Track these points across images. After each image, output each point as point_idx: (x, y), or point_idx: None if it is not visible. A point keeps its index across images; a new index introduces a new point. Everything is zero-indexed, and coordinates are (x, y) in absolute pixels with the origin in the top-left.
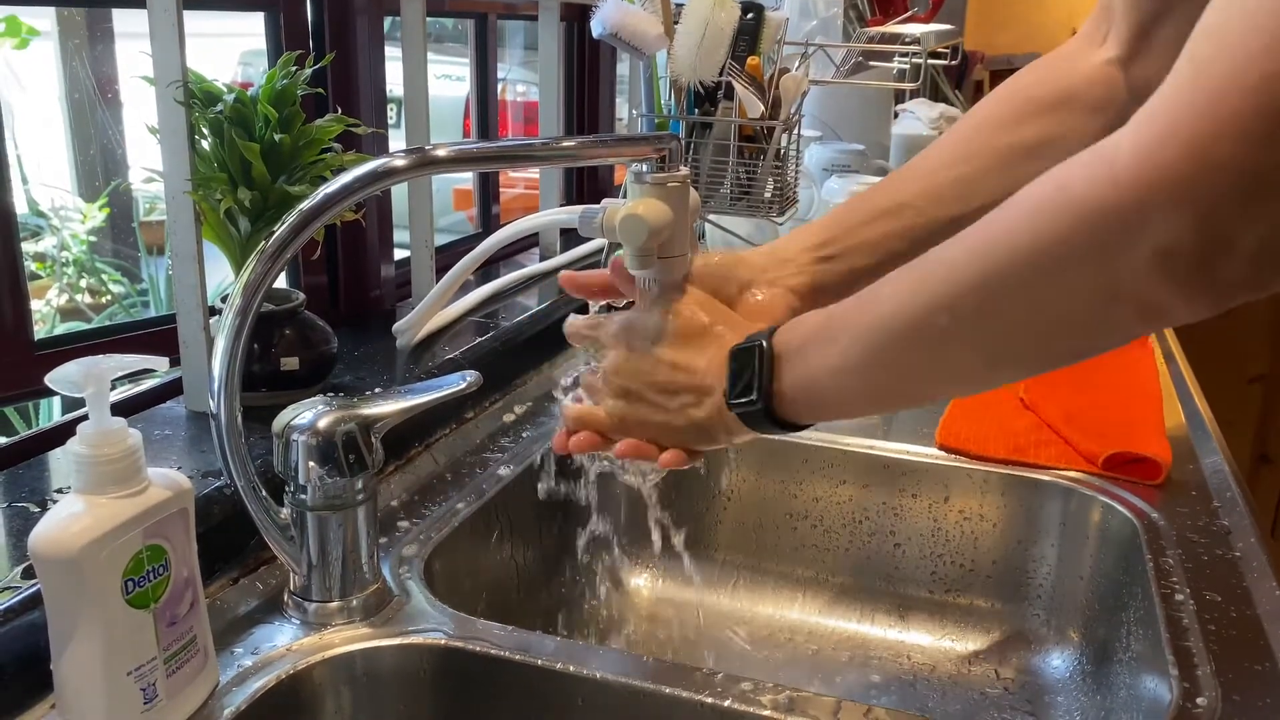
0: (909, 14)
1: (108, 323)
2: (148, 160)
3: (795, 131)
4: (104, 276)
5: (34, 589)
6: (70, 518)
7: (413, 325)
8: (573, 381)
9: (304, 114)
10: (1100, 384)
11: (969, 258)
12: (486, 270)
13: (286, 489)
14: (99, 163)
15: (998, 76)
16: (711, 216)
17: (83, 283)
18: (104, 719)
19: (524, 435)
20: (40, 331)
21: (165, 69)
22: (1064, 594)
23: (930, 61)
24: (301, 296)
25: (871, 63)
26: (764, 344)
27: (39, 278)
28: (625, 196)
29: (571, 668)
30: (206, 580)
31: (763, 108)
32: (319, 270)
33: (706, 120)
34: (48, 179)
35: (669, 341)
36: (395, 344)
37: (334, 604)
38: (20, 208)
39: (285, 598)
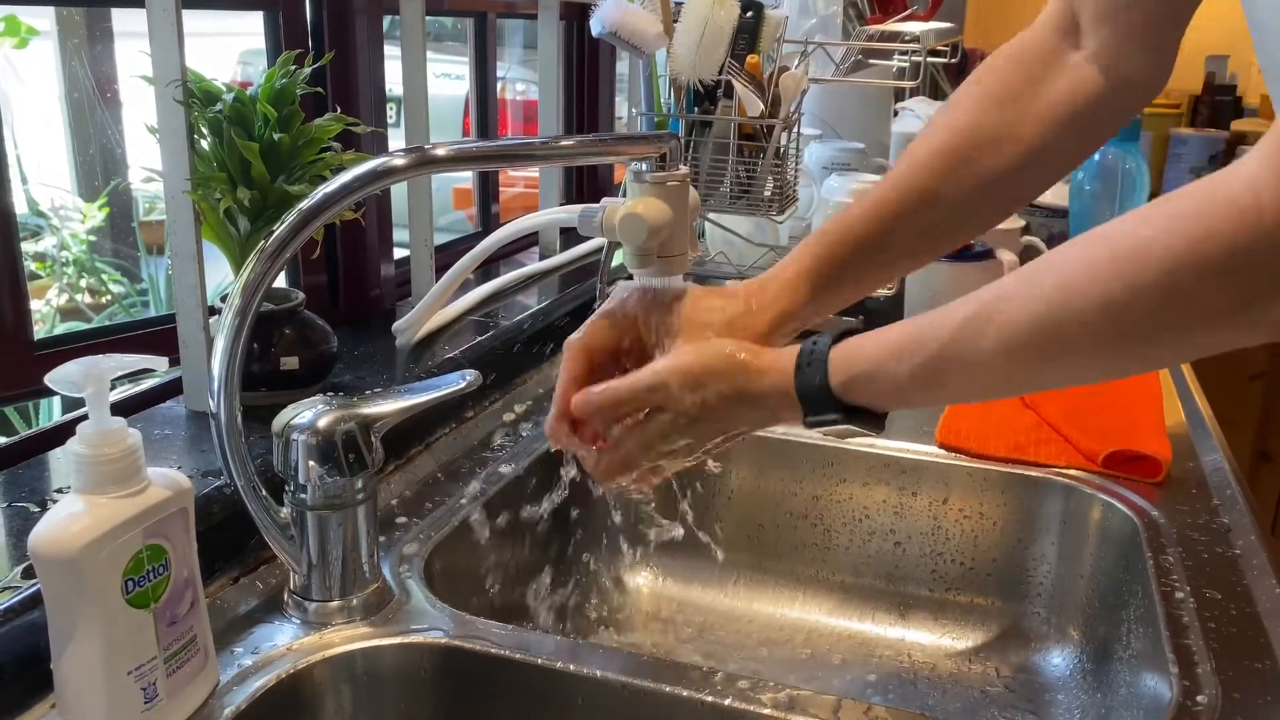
0: (908, 12)
1: (107, 322)
2: (147, 160)
3: (795, 130)
4: (104, 276)
5: (34, 589)
6: (70, 517)
7: (412, 324)
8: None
9: (303, 113)
10: (1100, 382)
11: (1101, 319)
12: (486, 269)
13: (286, 488)
14: (98, 162)
15: None
16: (711, 215)
17: (82, 282)
18: (104, 718)
19: (524, 434)
20: (40, 331)
21: (164, 68)
22: (1064, 592)
23: (930, 59)
24: (301, 296)
25: (871, 61)
26: (836, 404)
27: (39, 277)
28: (625, 195)
29: (571, 667)
30: (206, 580)
31: (762, 106)
32: (318, 269)
33: (706, 119)
34: (47, 179)
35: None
36: (395, 343)
37: (334, 603)
38: (20, 207)
39: (285, 597)
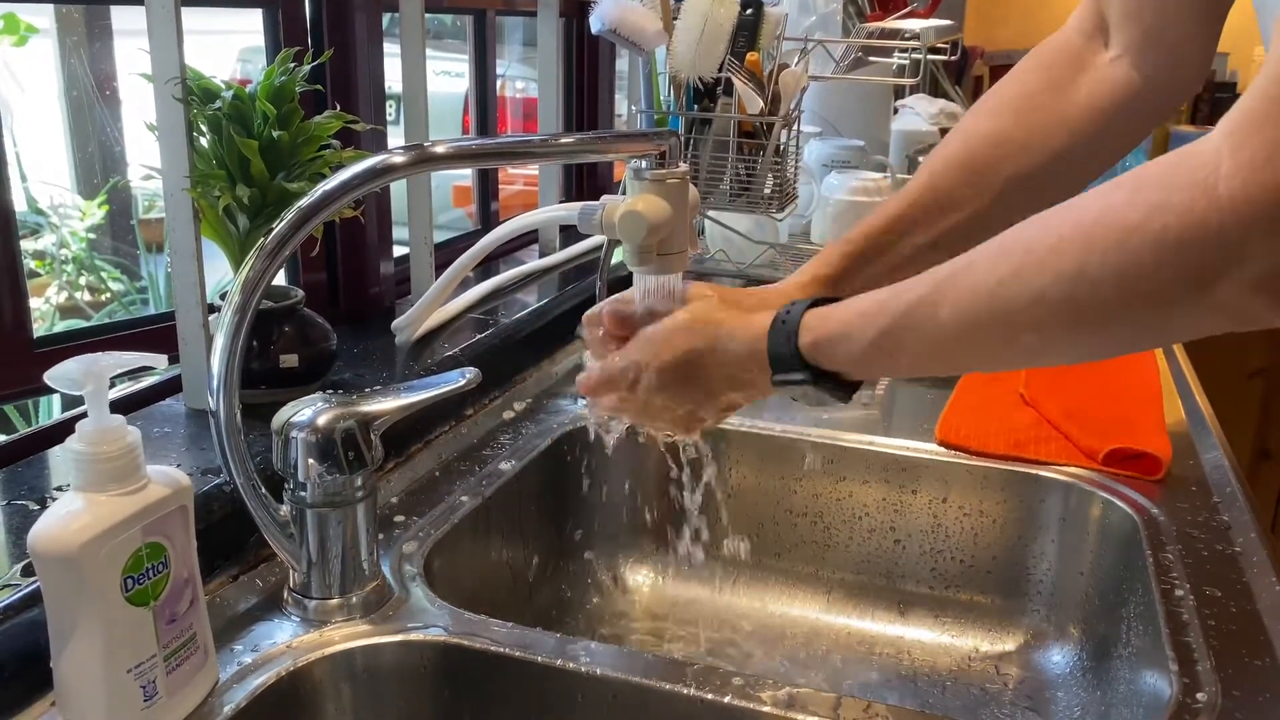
0: (908, 9)
1: (107, 320)
2: (146, 157)
3: (795, 127)
4: (103, 274)
5: (33, 587)
6: (69, 515)
7: (412, 322)
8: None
9: (302, 111)
10: (1100, 380)
11: (1057, 283)
12: (486, 267)
13: (286, 486)
14: (98, 160)
15: (997, 72)
16: (711, 213)
17: (82, 280)
18: (104, 716)
19: (524, 432)
20: (40, 329)
21: (163, 66)
22: (1064, 590)
23: (930, 57)
24: (300, 293)
25: (871, 58)
26: (803, 366)
27: (38, 275)
28: (624, 193)
29: (571, 664)
30: (206, 578)
31: (762, 103)
32: (318, 267)
33: (706, 116)
34: (47, 176)
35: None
36: (394, 341)
37: (334, 601)
38: (19, 205)
39: (285, 595)
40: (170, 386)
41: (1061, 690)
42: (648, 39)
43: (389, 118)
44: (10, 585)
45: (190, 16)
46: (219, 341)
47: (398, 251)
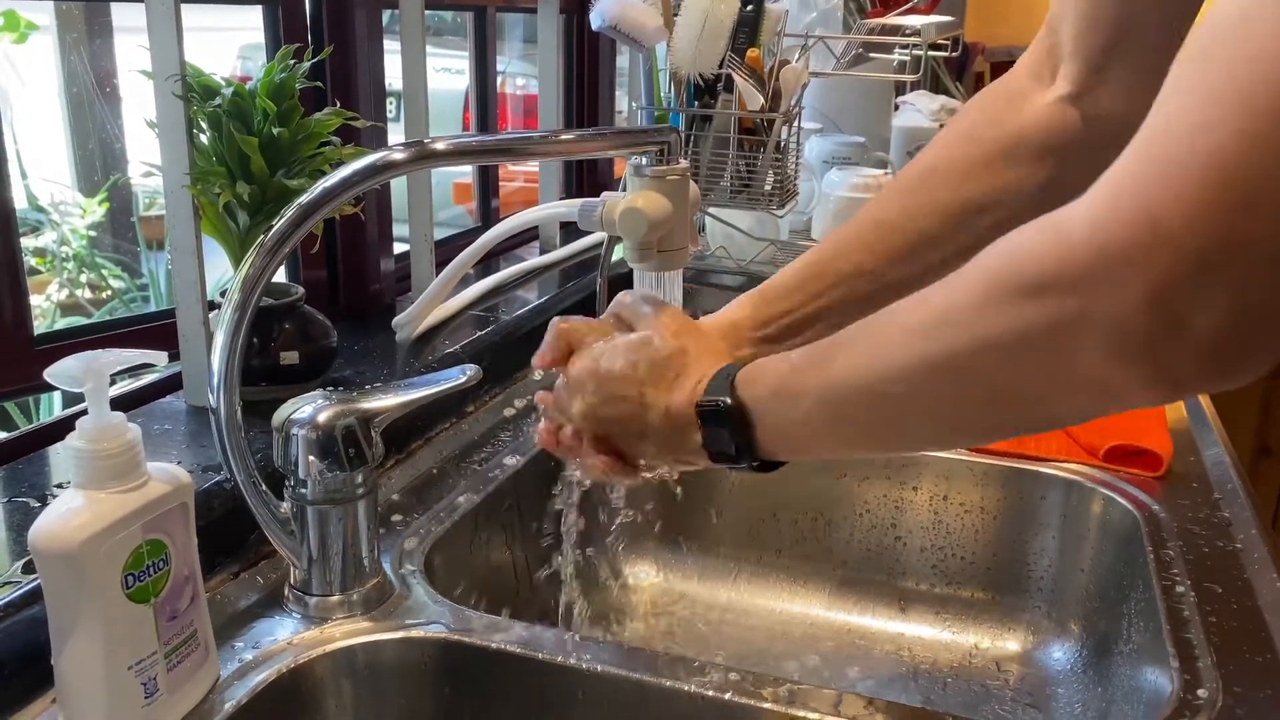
0: (909, 6)
1: (108, 318)
2: (147, 155)
3: (795, 124)
4: (104, 271)
5: (34, 584)
6: (70, 513)
7: (412, 319)
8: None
9: (302, 108)
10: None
11: (923, 332)
12: (486, 264)
13: (286, 483)
14: (98, 157)
15: (998, 68)
16: (712, 209)
17: (83, 278)
18: (105, 714)
19: (524, 429)
20: (40, 327)
21: (163, 63)
22: (1065, 586)
23: (931, 53)
24: (301, 290)
25: (872, 55)
26: (728, 401)
27: (39, 273)
28: (625, 190)
29: (572, 661)
30: (207, 575)
31: (763, 100)
32: (318, 264)
33: (706, 113)
34: (47, 174)
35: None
36: (395, 338)
37: (335, 598)
38: (20, 203)
39: (286, 592)
40: (171, 384)
41: (1062, 687)
42: (648, 35)
43: (389, 114)
44: (10, 582)
45: (190, 13)
46: (219, 339)
47: (398, 248)
